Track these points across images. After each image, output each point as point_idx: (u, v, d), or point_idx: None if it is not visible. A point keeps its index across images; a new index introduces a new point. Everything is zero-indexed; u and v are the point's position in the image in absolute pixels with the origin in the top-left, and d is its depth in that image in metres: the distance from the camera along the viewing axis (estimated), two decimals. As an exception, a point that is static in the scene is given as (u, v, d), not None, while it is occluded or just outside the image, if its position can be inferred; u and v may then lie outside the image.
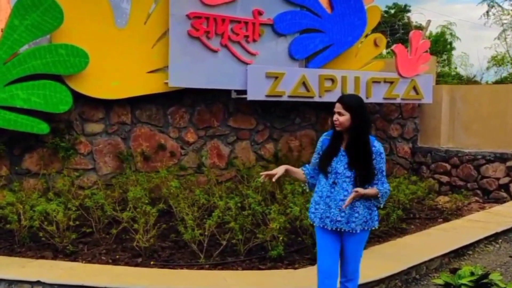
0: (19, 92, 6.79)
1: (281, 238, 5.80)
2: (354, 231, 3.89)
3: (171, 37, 7.61)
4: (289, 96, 8.39)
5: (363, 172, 3.83)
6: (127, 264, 5.59)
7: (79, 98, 7.19)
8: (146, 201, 6.28)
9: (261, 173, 4.03)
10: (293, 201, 6.54)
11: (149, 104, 7.90)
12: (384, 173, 3.95)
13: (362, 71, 9.40)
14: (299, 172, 4.15)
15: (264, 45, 8.38)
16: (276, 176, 3.92)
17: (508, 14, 23.71)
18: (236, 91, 8.26)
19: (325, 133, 4.06)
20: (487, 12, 24.33)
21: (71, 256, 5.69)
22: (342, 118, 3.79)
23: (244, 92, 8.08)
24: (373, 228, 4.03)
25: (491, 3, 24.21)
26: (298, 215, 6.13)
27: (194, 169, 8.14)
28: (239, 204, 6.28)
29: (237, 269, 5.54)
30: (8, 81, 6.73)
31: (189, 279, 5.23)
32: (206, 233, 5.75)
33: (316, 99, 8.67)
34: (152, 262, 5.61)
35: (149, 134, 7.93)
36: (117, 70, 7.43)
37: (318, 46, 8.94)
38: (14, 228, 5.92)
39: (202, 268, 5.53)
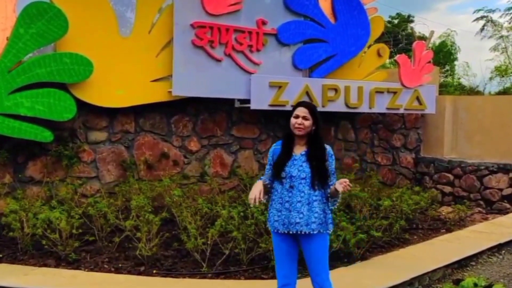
0: (23, 100, 6.81)
1: (284, 247, 5.78)
2: (312, 232, 3.92)
3: (175, 46, 7.64)
4: (293, 106, 8.37)
5: (321, 173, 3.94)
6: (129, 272, 5.59)
7: (83, 106, 7.21)
8: (149, 210, 6.28)
9: (249, 200, 3.90)
10: (296, 210, 6.54)
11: (153, 113, 7.92)
12: (335, 175, 4.06)
13: (366, 81, 9.41)
14: (265, 183, 4.11)
15: (268, 54, 8.42)
16: (262, 194, 3.90)
17: (501, 28, 24.16)
18: (239, 100, 8.28)
19: (275, 144, 4.19)
20: (482, 28, 24.75)
21: (74, 264, 5.70)
22: (307, 122, 3.94)
23: (248, 101, 8.10)
24: (330, 232, 4.05)
25: (486, 19, 24.56)
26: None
27: (197, 178, 8.15)
28: (242, 213, 6.29)
29: (239, 279, 5.53)
30: (12, 89, 6.76)
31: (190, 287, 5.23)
32: (208, 242, 5.75)
33: (319, 108, 8.63)
34: (154, 271, 5.60)
35: (153, 143, 7.95)
36: (121, 79, 7.46)
37: (321, 56, 8.97)
38: (17, 235, 5.93)
39: (204, 277, 5.52)
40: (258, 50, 8.30)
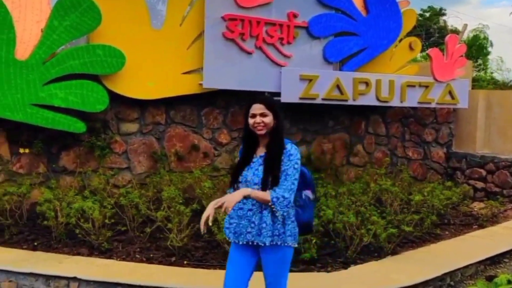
0: (57, 91, 6.91)
1: (314, 241, 5.78)
2: (263, 244, 3.52)
3: (206, 38, 7.66)
4: (323, 99, 8.36)
5: (274, 177, 3.47)
6: (160, 263, 5.63)
7: (115, 98, 7.27)
8: (180, 201, 6.32)
9: (201, 226, 3.42)
10: (326, 204, 6.53)
11: (184, 105, 7.95)
12: (289, 178, 3.46)
13: (397, 74, 9.31)
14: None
15: (299, 47, 8.38)
16: (211, 218, 3.39)
17: None
18: (269, 93, 8.25)
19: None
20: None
21: (106, 253, 5.77)
22: (267, 119, 3.52)
23: (278, 94, 8.08)
24: (291, 245, 3.58)
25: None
26: (331, 218, 6.11)
27: (227, 170, 8.16)
28: (272, 206, 6.28)
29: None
30: (47, 80, 6.86)
31: (222, 279, 5.23)
32: (239, 235, 5.75)
33: (350, 102, 8.62)
34: (185, 262, 5.64)
35: (183, 135, 7.99)
36: (153, 71, 7.51)
37: (352, 49, 8.90)
38: (52, 224, 6.03)
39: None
40: (288, 43, 8.27)
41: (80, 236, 5.93)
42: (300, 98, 8.19)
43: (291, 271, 5.46)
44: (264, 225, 3.51)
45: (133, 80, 7.39)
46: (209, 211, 3.38)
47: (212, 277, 5.26)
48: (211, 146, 8.19)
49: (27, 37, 6.78)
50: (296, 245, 3.65)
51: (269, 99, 3.68)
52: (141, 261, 5.66)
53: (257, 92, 8.10)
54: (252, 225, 3.54)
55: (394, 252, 6.15)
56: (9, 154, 7.09)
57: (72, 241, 6.02)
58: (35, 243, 6.03)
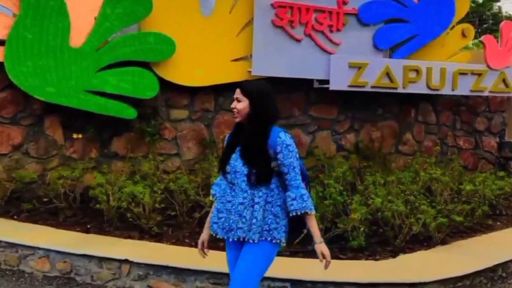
0: (109, 78, 7.06)
1: (362, 229, 5.76)
2: (252, 241, 3.29)
3: (255, 26, 7.67)
4: (372, 87, 8.27)
5: (257, 169, 3.26)
6: (210, 248, 5.69)
7: (165, 84, 7.37)
8: (229, 187, 6.36)
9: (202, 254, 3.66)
10: (374, 192, 6.48)
11: (232, 92, 7.93)
12: (297, 170, 3.27)
13: (449, 62, 9.11)
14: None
15: (348, 34, 8.29)
16: (205, 245, 3.62)
17: None
18: (318, 80, 8.23)
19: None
20: None
21: (156, 237, 5.89)
22: (239, 105, 3.30)
23: (327, 81, 8.04)
24: (278, 242, 3.34)
25: None
26: (379, 207, 6.06)
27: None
28: (320, 194, 6.28)
29: (317, 258, 5.52)
30: (99, 67, 7.01)
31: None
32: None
33: (400, 90, 8.50)
34: (231, 246, 5.69)
35: (231, 122, 8.02)
36: (202, 58, 7.57)
37: (403, 36, 8.74)
38: (104, 208, 6.19)
39: (282, 255, 5.55)
40: (338, 30, 8.20)
41: (131, 219, 6.06)
42: (349, 86, 8.12)
43: (337, 258, 5.52)
44: (254, 220, 3.27)
45: (182, 67, 7.47)
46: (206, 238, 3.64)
47: (306, 266, 5.29)
48: (259, 133, 8.20)
49: (81, 25, 6.93)
50: (284, 244, 3.41)
51: (249, 83, 3.41)
52: (190, 245, 5.74)
53: (305, 79, 8.11)
54: (244, 220, 3.29)
55: (444, 242, 6.07)
56: (63, 139, 7.29)
57: (123, 224, 6.16)
58: (88, 226, 6.20)
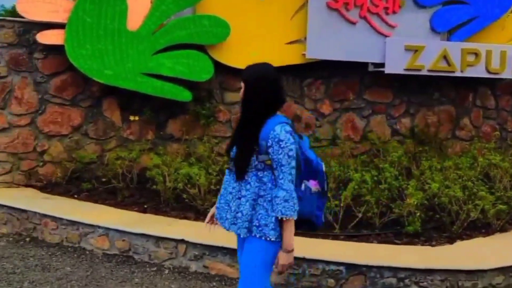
0: (165, 61, 7.15)
1: (418, 214, 5.69)
2: (241, 235, 3.13)
3: (310, 8, 7.60)
4: (429, 70, 8.09)
5: (235, 160, 3.10)
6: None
7: (219, 67, 7.41)
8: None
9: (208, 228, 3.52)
10: (431, 177, 6.37)
11: (286, 75, 7.97)
12: (285, 169, 2.95)
13: (509, 45, 8.82)
14: None
15: (404, 17, 8.12)
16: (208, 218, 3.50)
17: None
18: (373, 64, 8.10)
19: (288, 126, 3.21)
20: None
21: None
22: (241, 91, 3.14)
23: (382, 65, 7.91)
24: (273, 239, 3.03)
25: None
26: (436, 192, 5.96)
27: (328, 140, 8.14)
28: (375, 178, 6.22)
29: (372, 242, 5.51)
30: (155, 50, 7.11)
31: (322, 248, 5.28)
32: (341, 205, 5.77)
33: (457, 74, 8.29)
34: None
35: (285, 105, 7.97)
36: (257, 41, 7.56)
37: (462, 18, 8.50)
38: (160, 189, 6.31)
39: (337, 239, 5.56)
40: (394, 12, 8.04)
41: (187, 200, 6.15)
42: (405, 70, 7.97)
43: (392, 243, 5.46)
44: (239, 214, 3.08)
45: (237, 50, 7.48)
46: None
47: (315, 245, 5.31)
48: (313, 117, 8.18)
49: (138, 8, 7.03)
50: (277, 241, 3.05)
51: (249, 68, 3.17)
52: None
53: (360, 63, 8.00)
54: (230, 211, 3.15)
55: (503, 229, 5.93)
56: (121, 121, 7.45)
57: (179, 205, 6.27)
58: (145, 206, 6.34)
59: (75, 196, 6.66)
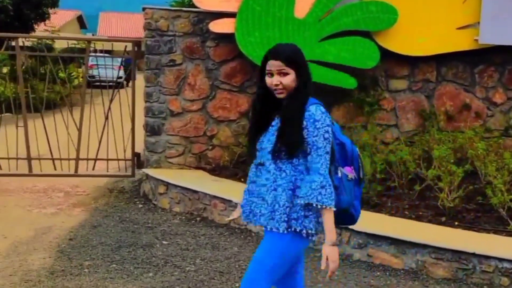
0: (330, 47, 7.17)
1: None
2: (277, 230, 2.73)
3: (485, -9, 7.19)
4: None
5: (287, 140, 2.72)
6: (429, 221, 5.57)
7: (385, 54, 7.27)
8: (452, 161, 6.12)
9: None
10: None
11: (456, 62, 7.61)
12: (321, 152, 2.68)
13: None
14: None
15: None
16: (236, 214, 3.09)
17: None
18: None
19: (324, 111, 2.81)
20: None
21: (376, 207, 5.89)
22: (286, 79, 2.74)
23: None
24: (310, 233, 2.71)
25: None
26: None
27: (500, 131, 7.66)
28: None
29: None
30: (321, 37, 7.15)
31: (495, 244, 5.00)
32: (515, 200, 5.41)
33: None
34: (456, 223, 5.49)
35: (454, 93, 7.68)
36: (425, 27, 7.32)
37: None
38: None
39: (510, 235, 5.23)
40: None
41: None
42: None
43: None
44: (277, 206, 2.74)
45: (404, 36, 7.29)
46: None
47: (484, 241, 5.05)
48: (484, 105, 7.73)
49: (305, -5, 7.12)
50: (315, 237, 2.75)
51: (290, 51, 2.81)
52: (409, 218, 5.66)
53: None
54: (265, 205, 2.79)
55: None
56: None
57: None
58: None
59: (242, 179, 6.91)
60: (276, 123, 2.80)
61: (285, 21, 7.07)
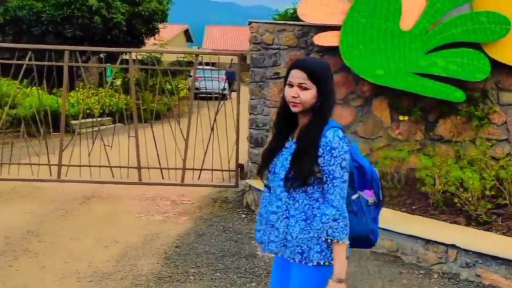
0: (437, 60, 6.99)
1: None
2: (291, 260, 2.61)
3: None
4: None
5: (298, 167, 2.53)
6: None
7: (496, 66, 6.98)
8: None
9: None
10: None
11: None
12: (337, 183, 2.50)
13: None
14: None
15: None
16: None
17: None
18: None
19: (341, 134, 2.58)
20: None
21: (484, 225, 5.65)
22: (306, 94, 2.53)
23: None
24: (320, 263, 2.55)
25: None
26: None
27: None
28: None
29: None
30: (428, 49, 6.99)
31: None
32: None
33: None
34: None
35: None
36: (541, 37, 6.97)
37: None
38: (429, 191, 6.19)
39: None
40: None
41: (458, 205, 5.93)
42: None
43: None
44: (289, 237, 2.61)
45: (517, 47, 6.98)
46: None
47: None
48: None
49: (411, 7, 6.99)
50: (328, 263, 2.55)
51: (317, 65, 2.61)
52: (522, 238, 5.40)
53: None
54: (276, 232, 2.66)
55: None
56: (390, 120, 7.48)
57: (449, 209, 6.07)
58: (413, 207, 6.27)
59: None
60: (290, 145, 2.66)
61: (391, 33, 6.98)
